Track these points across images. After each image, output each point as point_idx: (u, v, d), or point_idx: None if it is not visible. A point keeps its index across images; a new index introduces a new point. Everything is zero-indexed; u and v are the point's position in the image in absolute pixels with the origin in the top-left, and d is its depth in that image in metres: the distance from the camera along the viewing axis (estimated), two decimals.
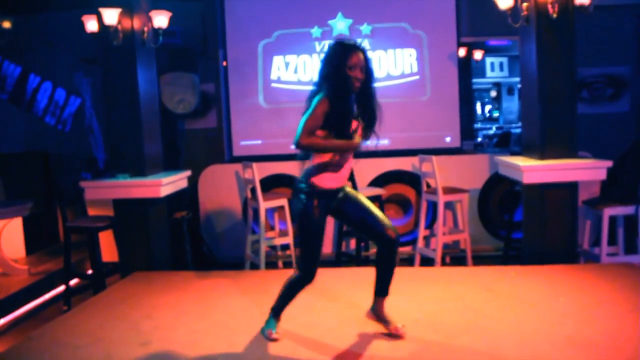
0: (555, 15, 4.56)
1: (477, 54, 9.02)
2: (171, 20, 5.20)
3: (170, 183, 5.17)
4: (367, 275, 3.36)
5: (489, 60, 11.07)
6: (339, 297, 4.20)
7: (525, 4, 4.74)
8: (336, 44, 3.18)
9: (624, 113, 7.02)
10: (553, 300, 3.97)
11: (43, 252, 6.35)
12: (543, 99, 4.79)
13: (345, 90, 3.09)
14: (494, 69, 11.33)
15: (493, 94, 11.68)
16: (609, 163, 4.63)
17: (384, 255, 3.32)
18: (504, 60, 11.31)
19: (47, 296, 5.45)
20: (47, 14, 6.95)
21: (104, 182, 5.09)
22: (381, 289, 3.43)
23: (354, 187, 3.39)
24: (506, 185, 5.98)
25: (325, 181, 3.21)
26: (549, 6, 4.57)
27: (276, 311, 3.52)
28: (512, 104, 11.54)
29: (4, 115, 7.34)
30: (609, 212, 4.80)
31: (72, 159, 6.83)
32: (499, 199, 6.26)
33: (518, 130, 9.00)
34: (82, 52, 6.72)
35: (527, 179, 4.70)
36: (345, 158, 3.21)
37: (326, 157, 3.17)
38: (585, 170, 4.66)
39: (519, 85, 10.82)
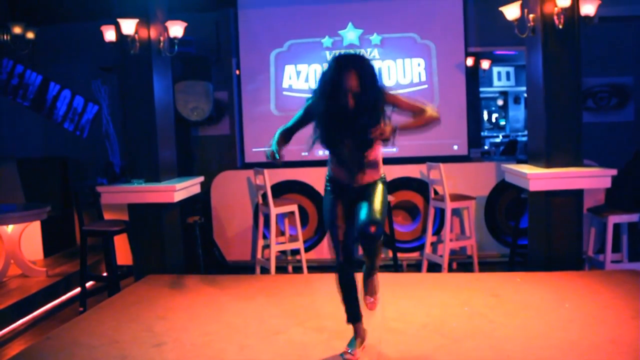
0: (560, 26, 4.65)
1: (485, 64, 9.10)
2: (186, 29, 5.34)
3: (183, 188, 5.30)
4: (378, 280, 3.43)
5: (495, 69, 11.17)
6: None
7: (531, 15, 4.84)
8: (332, 60, 3.09)
9: (629, 122, 7.07)
10: (558, 306, 4.03)
11: (60, 254, 6.51)
12: (549, 108, 4.86)
13: (337, 106, 3.03)
14: (501, 78, 11.42)
15: (500, 102, 11.76)
16: (614, 171, 4.70)
17: (363, 246, 3.24)
18: (511, 69, 11.40)
19: (64, 297, 5.59)
20: (67, 24, 7.14)
21: (119, 187, 5.22)
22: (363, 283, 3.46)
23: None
24: (513, 193, 6.05)
25: (333, 171, 3.30)
26: (555, 17, 4.66)
27: (348, 317, 3.41)
28: (518, 113, 11.61)
29: (25, 121, 7.54)
30: (613, 219, 4.86)
31: (89, 164, 6.99)
32: (505, 206, 6.33)
33: (524, 139, 9.06)
34: (100, 62, 6.89)
35: (533, 186, 4.78)
36: (344, 155, 3.18)
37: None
38: (590, 179, 4.72)
39: (525, 94, 10.93)
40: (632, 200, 4.89)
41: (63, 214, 6.76)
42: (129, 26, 4.96)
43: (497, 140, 10.97)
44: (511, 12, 4.86)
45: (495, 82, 11.33)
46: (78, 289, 5.48)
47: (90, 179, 6.18)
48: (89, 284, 5.52)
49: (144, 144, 5.27)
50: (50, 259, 6.33)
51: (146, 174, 5.28)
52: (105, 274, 5.43)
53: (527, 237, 5.85)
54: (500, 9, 4.95)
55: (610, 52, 6.88)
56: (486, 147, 9.96)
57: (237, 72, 6.99)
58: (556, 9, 4.60)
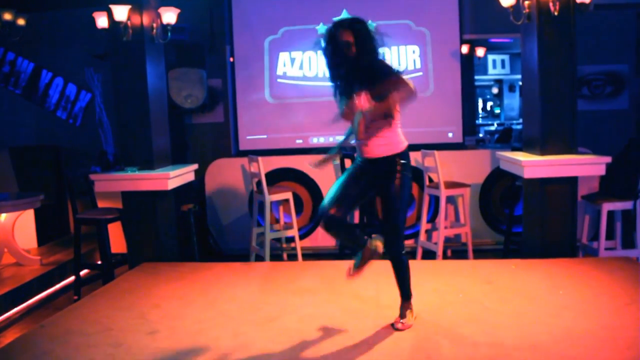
0: (556, 13, 4.63)
1: (480, 51, 9.07)
2: (179, 16, 5.29)
3: (177, 176, 5.28)
4: (370, 267, 3.42)
5: (490, 57, 11.14)
6: (341, 289, 4.28)
7: (527, 2, 4.81)
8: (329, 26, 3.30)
9: (623, 110, 7.07)
10: (552, 292, 4.05)
11: (54, 243, 6.48)
12: (544, 95, 4.86)
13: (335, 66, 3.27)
14: (496, 66, 11.40)
15: (495, 90, 11.75)
16: (608, 159, 4.70)
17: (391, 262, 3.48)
18: (506, 57, 11.38)
19: (58, 286, 5.58)
20: (59, 11, 7.06)
21: (113, 175, 5.20)
22: (400, 291, 3.55)
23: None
24: (507, 180, 6.06)
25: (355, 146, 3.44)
26: (550, 4, 4.64)
27: (357, 246, 3.44)
28: (513, 101, 11.61)
29: (17, 109, 7.49)
30: (607, 206, 4.88)
31: (83, 152, 6.94)
32: (500, 193, 6.34)
33: (519, 127, 9.06)
34: (93, 49, 6.83)
35: (528, 174, 4.78)
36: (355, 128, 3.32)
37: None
38: (584, 166, 4.73)
39: (520, 83, 10.93)
40: (626, 188, 4.90)
41: (57, 203, 6.73)
42: (121, 12, 4.90)
43: (492, 128, 10.98)
44: None
45: (490, 70, 11.31)
46: (72, 278, 5.47)
47: (84, 167, 6.13)
48: (83, 272, 5.51)
49: (138, 132, 5.24)
50: (44, 247, 6.31)
51: (140, 161, 5.26)
52: (99, 262, 5.41)
53: (521, 224, 5.88)
54: None
55: (605, 40, 6.86)
56: (481, 135, 9.97)
57: (231, 59, 6.94)
58: None
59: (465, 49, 7.06)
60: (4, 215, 5.60)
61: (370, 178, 3.35)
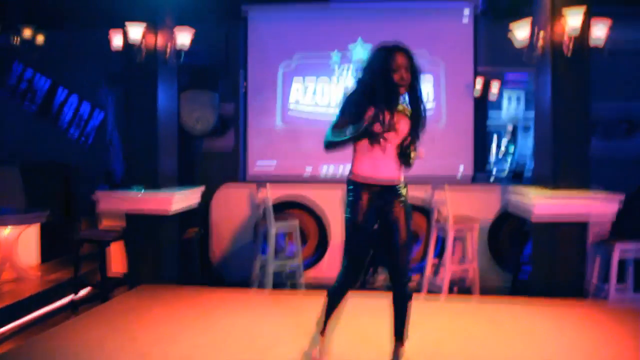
0: (569, 55, 4.56)
1: (494, 86, 8.94)
2: (195, 40, 5.33)
3: (182, 198, 5.24)
4: (372, 300, 3.28)
5: (506, 94, 11.03)
6: (343, 321, 4.13)
7: (540, 42, 4.75)
8: (377, 49, 3.13)
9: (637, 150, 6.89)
10: (558, 336, 3.91)
11: (57, 261, 6.43)
12: (556, 133, 4.77)
13: (391, 93, 3.05)
14: (511, 102, 11.29)
15: (509, 128, 11.62)
16: (621, 196, 4.56)
17: (394, 296, 3.22)
18: (522, 94, 11.27)
19: (56, 304, 5.50)
20: (77, 30, 7.15)
21: (117, 193, 5.18)
22: (395, 331, 3.28)
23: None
24: (517, 219, 5.93)
25: (362, 170, 3.18)
26: (564, 46, 4.58)
27: (320, 325, 3.39)
28: (529, 139, 11.46)
29: (31, 127, 7.55)
30: (620, 246, 4.72)
31: (91, 171, 6.94)
32: (509, 232, 6.19)
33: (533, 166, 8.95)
34: (108, 68, 6.88)
35: (538, 210, 4.65)
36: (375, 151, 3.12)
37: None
38: (597, 203, 4.59)
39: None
40: (638, 229, 4.75)
41: (63, 220, 6.71)
42: (136, 31, 4.94)
43: (504, 167, 10.83)
44: (521, 29, 4.78)
45: (505, 108, 11.20)
46: (70, 297, 5.40)
47: (92, 186, 6.12)
48: (84, 291, 5.45)
49: (145, 152, 5.24)
50: (46, 264, 6.25)
51: (146, 181, 5.24)
52: (98, 282, 5.34)
53: (530, 265, 5.72)
54: (510, 25, 4.88)
55: (621, 78, 6.71)
56: (493, 173, 9.82)
57: (245, 84, 6.95)
58: (567, 27, 4.52)
59: (479, 82, 6.97)
60: (8, 228, 5.58)
61: (377, 208, 3.17)
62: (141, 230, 5.21)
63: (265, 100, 6.85)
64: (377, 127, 3.02)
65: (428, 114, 3.24)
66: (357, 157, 3.18)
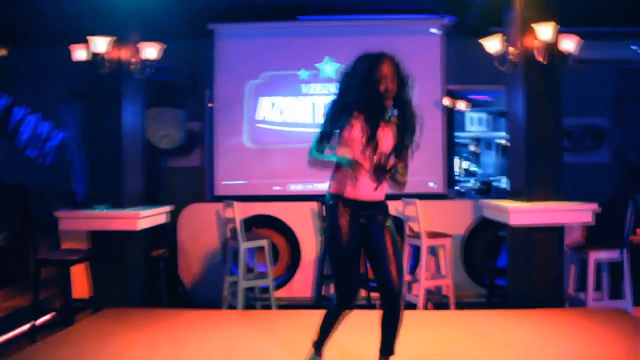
0: (542, 60, 4.63)
1: (460, 104, 9.09)
2: (162, 57, 5.19)
3: (148, 216, 5.03)
4: (350, 317, 3.16)
5: (468, 115, 11.24)
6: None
7: (511, 49, 4.82)
8: (360, 57, 2.96)
9: (604, 164, 7.06)
10: (545, 344, 3.86)
11: (12, 288, 6.07)
12: (530, 143, 4.80)
13: (376, 106, 2.89)
14: (473, 124, 11.49)
15: (472, 148, 11.82)
16: (595, 206, 4.61)
17: (383, 305, 3.04)
18: (484, 115, 11.49)
19: (12, 334, 5.16)
20: (35, 47, 6.91)
21: (79, 212, 4.96)
22: (383, 345, 3.11)
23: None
24: (490, 232, 5.94)
25: (346, 185, 2.96)
26: (535, 52, 4.65)
27: (317, 345, 3.24)
28: (491, 159, 11.68)
29: None
30: (594, 255, 4.74)
31: (50, 192, 6.63)
32: (482, 245, 6.19)
33: (498, 183, 9.07)
34: (69, 86, 6.65)
35: (514, 220, 4.64)
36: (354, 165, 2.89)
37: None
38: (572, 213, 4.62)
39: (497, 141, 11.06)
40: (612, 237, 4.79)
41: (19, 244, 6.35)
42: (100, 43, 4.78)
43: (469, 184, 10.95)
44: (492, 45, 4.84)
45: (469, 127, 11.38)
46: (29, 325, 5.07)
47: (51, 207, 5.84)
48: (43, 318, 5.13)
49: (109, 168, 5.05)
50: (1, 291, 5.90)
51: (110, 200, 5.01)
52: (60, 307, 5.05)
53: (504, 277, 5.71)
54: (481, 41, 4.93)
55: (585, 94, 6.92)
56: (461, 190, 9.91)
57: (210, 105, 6.82)
58: (536, 41, 4.60)
59: (447, 101, 7.03)
60: None
61: (362, 226, 2.98)
62: (106, 250, 4.97)
63: (232, 118, 6.72)
64: (355, 149, 2.87)
65: None
66: (338, 170, 2.99)
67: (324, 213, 3.12)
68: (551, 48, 4.64)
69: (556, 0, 4.77)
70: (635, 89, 6.91)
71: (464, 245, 6.16)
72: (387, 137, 2.93)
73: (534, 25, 4.58)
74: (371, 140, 2.88)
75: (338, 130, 2.96)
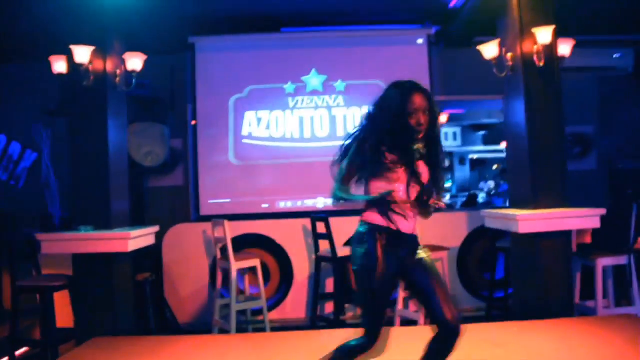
0: (542, 64, 4.58)
1: (442, 118, 9.08)
2: (142, 70, 4.93)
3: (139, 237, 4.73)
4: (345, 337, 2.94)
5: (443, 130, 11.26)
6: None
7: (509, 54, 4.76)
8: (391, 87, 2.84)
9: (592, 170, 7.09)
10: (571, 354, 3.76)
11: None
12: (533, 150, 4.70)
13: (406, 139, 2.75)
14: (448, 139, 11.53)
15: (446, 163, 11.82)
16: (603, 211, 4.54)
17: (438, 340, 2.79)
18: (458, 130, 11.55)
19: None
20: (7, 63, 6.54)
21: (63, 235, 4.60)
22: None
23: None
24: (485, 243, 5.83)
25: (384, 220, 2.78)
26: (535, 57, 4.60)
27: None
28: (464, 174, 11.74)
29: None
30: (602, 262, 4.67)
31: (25, 216, 6.23)
32: (479, 257, 6.08)
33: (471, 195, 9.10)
34: (43, 104, 6.29)
35: (523, 228, 4.52)
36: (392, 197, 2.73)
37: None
38: (580, 219, 4.53)
39: (471, 156, 11.12)
40: (618, 243, 4.73)
41: None
42: (83, 54, 4.49)
43: (446, 200, 10.94)
44: (489, 50, 4.77)
45: (443, 142, 11.41)
46: (6, 358, 4.67)
47: (26, 232, 5.45)
48: (21, 350, 4.74)
49: (94, 187, 4.72)
50: None
51: (95, 221, 4.69)
52: (41, 338, 4.67)
53: (502, 289, 5.59)
54: (478, 47, 4.86)
55: (572, 102, 6.95)
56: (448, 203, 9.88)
57: (193, 122, 6.56)
58: (536, 46, 4.55)
59: None
60: None
61: (402, 260, 2.80)
62: (92, 274, 4.62)
63: (216, 134, 6.49)
64: (398, 182, 2.73)
65: None
66: (376, 202, 2.77)
67: (353, 241, 2.90)
68: (550, 52, 4.59)
69: (553, 5, 4.74)
70: (618, 95, 6.99)
71: (459, 258, 6.04)
72: (424, 171, 2.82)
73: (534, 30, 4.53)
74: (414, 175, 2.76)
75: (366, 170, 2.80)
